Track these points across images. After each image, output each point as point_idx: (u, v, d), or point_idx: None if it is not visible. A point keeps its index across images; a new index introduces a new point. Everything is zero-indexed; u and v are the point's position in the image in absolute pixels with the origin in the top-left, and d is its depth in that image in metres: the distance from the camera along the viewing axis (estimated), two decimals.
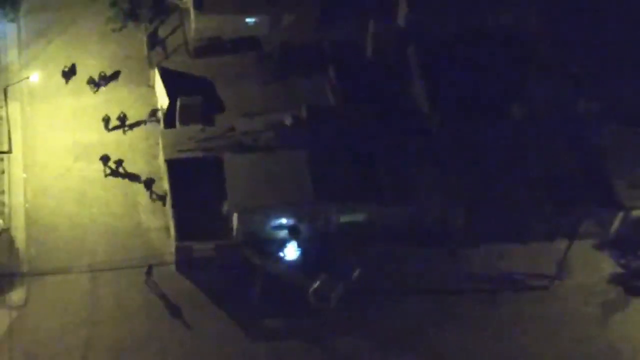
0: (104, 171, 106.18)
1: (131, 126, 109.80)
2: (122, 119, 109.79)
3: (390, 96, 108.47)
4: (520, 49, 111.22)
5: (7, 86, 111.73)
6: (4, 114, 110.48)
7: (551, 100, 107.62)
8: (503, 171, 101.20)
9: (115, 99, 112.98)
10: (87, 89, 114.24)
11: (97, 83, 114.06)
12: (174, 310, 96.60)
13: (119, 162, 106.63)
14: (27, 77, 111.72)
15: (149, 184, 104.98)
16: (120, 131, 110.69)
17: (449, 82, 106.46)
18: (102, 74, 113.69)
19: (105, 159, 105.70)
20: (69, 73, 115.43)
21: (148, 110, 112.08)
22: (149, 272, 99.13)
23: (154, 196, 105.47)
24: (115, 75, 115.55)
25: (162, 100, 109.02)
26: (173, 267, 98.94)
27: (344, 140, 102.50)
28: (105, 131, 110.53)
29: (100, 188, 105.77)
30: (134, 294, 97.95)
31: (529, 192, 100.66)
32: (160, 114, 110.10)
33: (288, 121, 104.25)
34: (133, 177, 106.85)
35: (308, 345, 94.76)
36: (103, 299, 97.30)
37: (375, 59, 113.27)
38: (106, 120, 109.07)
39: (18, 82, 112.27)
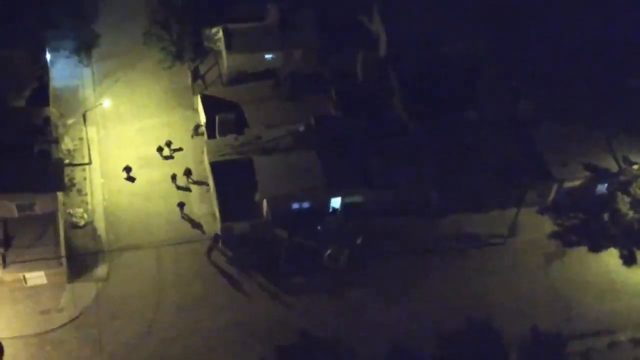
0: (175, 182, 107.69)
1: (175, 150, 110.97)
2: (169, 144, 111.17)
3: (377, 108, 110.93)
4: (472, 68, 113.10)
5: (86, 111, 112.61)
6: (84, 135, 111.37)
7: (498, 105, 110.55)
8: (464, 159, 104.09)
9: (169, 120, 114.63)
10: (147, 114, 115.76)
11: None
12: (222, 276, 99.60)
13: (169, 142, 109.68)
14: (101, 104, 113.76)
15: (188, 171, 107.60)
16: (177, 146, 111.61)
17: (420, 95, 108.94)
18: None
19: (160, 149, 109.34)
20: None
21: (197, 126, 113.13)
22: (216, 240, 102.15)
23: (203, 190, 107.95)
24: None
25: (203, 118, 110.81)
26: (219, 243, 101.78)
27: (343, 142, 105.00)
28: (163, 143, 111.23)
29: (160, 188, 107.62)
30: (190, 264, 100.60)
31: (485, 173, 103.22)
32: (201, 129, 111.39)
33: (301, 129, 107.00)
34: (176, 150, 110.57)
35: (324, 296, 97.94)
36: (166, 269, 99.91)
37: (364, 80, 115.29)
38: (160, 149, 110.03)
39: (94, 107, 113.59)
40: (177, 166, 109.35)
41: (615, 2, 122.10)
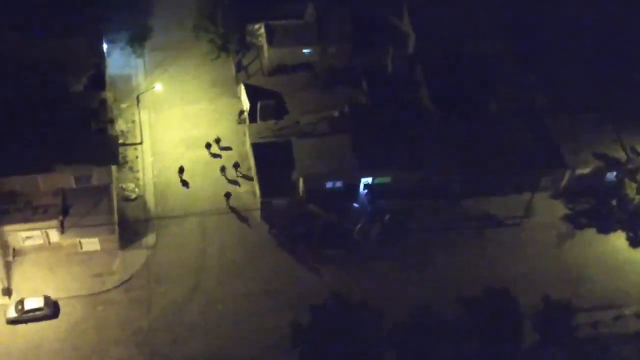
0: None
1: (224, 149, 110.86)
2: (217, 141, 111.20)
3: (405, 98, 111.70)
4: (493, 65, 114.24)
5: (139, 95, 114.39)
6: (136, 117, 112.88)
7: (516, 97, 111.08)
8: (485, 146, 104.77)
9: (214, 106, 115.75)
10: (194, 100, 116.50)
11: None
12: (260, 246, 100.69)
13: (217, 139, 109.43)
14: (153, 87, 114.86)
15: (237, 164, 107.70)
16: (221, 129, 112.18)
17: (445, 88, 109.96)
18: None
19: (208, 145, 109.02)
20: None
21: (238, 112, 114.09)
22: (227, 196, 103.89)
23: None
24: None
25: (246, 105, 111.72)
26: (258, 217, 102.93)
27: (374, 127, 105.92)
28: (209, 128, 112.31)
29: (204, 166, 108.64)
30: (232, 235, 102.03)
31: (503, 160, 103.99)
32: (245, 115, 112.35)
33: (336, 114, 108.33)
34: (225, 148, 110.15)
35: (354, 267, 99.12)
36: (210, 239, 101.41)
37: (393, 74, 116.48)
38: (208, 145, 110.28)
39: (146, 91, 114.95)
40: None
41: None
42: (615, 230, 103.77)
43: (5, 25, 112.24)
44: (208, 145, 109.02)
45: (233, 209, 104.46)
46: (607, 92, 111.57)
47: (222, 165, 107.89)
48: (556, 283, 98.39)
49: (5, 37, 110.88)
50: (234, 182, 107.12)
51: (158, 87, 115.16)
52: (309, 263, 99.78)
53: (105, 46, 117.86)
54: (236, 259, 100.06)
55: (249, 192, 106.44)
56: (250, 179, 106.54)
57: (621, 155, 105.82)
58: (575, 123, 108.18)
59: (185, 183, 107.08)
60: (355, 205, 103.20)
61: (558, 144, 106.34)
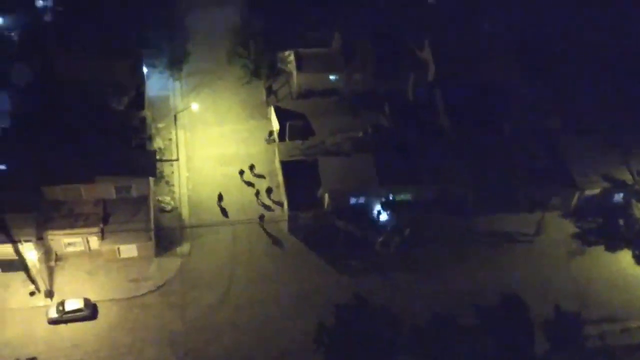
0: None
1: (258, 176, 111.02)
2: (251, 167, 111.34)
3: (424, 120, 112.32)
4: (507, 89, 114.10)
5: (176, 114, 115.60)
6: (173, 136, 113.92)
7: (529, 121, 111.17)
8: (499, 165, 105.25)
9: (245, 127, 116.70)
10: (227, 121, 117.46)
11: None
12: (287, 256, 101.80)
13: (251, 166, 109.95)
14: (190, 107, 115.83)
15: (270, 189, 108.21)
16: (251, 148, 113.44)
17: (462, 111, 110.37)
18: None
19: (242, 172, 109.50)
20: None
21: (267, 132, 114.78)
22: (261, 218, 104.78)
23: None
24: None
25: (276, 126, 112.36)
26: (286, 228, 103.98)
27: (395, 148, 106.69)
28: (240, 147, 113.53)
29: (236, 182, 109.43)
30: (261, 245, 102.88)
31: (516, 179, 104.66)
32: (274, 135, 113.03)
33: (359, 135, 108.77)
34: (258, 175, 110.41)
35: (375, 277, 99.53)
36: (240, 248, 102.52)
37: (414, 98, 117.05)
38: (242, 172, 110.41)
39: (183, 110, 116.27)
40: (257, 164, 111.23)
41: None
42: (622, 248, 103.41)
43: (57, 46, 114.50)
44: (241, 172, 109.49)
45: (266, 230, 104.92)
46: (616, 117, 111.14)
47: (240, 169, 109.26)
48: (566, 296, 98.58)
49: (57, 57, 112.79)
50: (268, 208, 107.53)
51: (194, 106, 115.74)
52: (332, 272, 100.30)
53: (145, 69, 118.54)
54: (265, 267, 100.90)
55: (276, 205, 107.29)
56: (282, 204, 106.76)
57: (628, 177, 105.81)
58: (585, 146, 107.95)
59: (224, 211, 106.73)
60: (377, 219, 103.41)
61: (568, 165, 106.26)
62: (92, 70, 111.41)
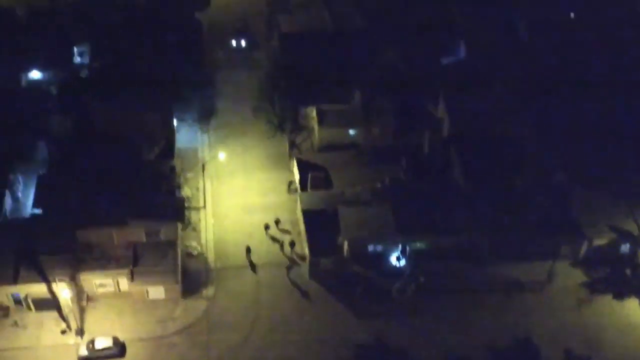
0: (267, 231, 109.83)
1: (284, 231, 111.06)
2: (277, 222, 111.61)
3: (439, 174, 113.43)
4: (519, 146, 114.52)
5: (204, 163, 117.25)
6: (200, 185, 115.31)
7: (541, 176, 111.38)
8: (512, 217, 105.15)
9: (269, 177, 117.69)
10: (251, 171, 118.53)
11: None
12: (309, 299, 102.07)
13: (277, 220, 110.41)
14: (217, 155, 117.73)
15: (292, 243, 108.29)
16: (274, 198, 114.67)
17: (475, 165, 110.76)
18: None
19: (267, 226, 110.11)
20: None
21: (290, 182, 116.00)
22: (288, 268, 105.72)
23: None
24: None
25: (297, 177, 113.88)
26: (307, 273, 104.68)
27: (411, 199, 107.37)
28: (264, 196, 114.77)
29: (261, 230, 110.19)
30: (283, 289, 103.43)
31: (527, 230, 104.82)
32: (294, 185, 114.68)
33: (378, 186, 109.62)
34: (283, 231, 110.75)
35: (392, 321, 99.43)
36: (263, 292, 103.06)
37: (429, 153, 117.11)
38: (267, 226, 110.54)
39: (211, 159, 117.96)
40: (274, 213, 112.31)
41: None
42: (629, 296, 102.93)
43: (92, 99, 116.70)
44: (267, 227, 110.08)
45: (290, 279, 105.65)
46: (622, 173, 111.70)
47: (266, 223, 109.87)
48: (576, 340, 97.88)
49: (93, 110, 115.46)
50: (276, 240, 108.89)
51: (222, 155, 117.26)
52: (351, 316, 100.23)
53: (175, 122, 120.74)
54: (286, 310, 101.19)
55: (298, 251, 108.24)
56: (305, 258, 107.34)
57: (633, 228, 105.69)
58: (593, 199, 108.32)
59: (252, 265, 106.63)
60: (394, 266, 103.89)
61: (577, 217, 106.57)
62: (126, 122, 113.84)
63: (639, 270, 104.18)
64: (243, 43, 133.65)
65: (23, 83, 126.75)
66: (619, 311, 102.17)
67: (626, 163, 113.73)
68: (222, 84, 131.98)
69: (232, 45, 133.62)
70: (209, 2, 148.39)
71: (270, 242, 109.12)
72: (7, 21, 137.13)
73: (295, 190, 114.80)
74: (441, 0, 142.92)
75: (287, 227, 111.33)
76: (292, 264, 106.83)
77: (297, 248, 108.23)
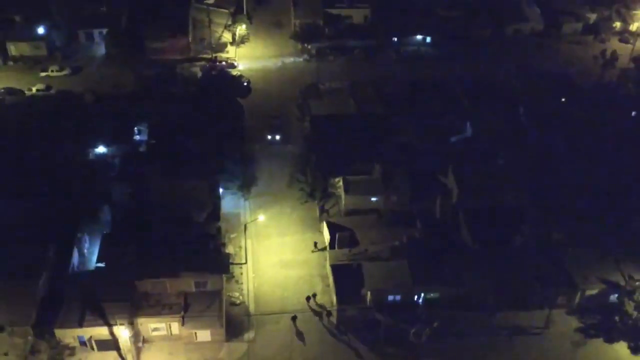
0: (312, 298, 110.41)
1: (321, 306, 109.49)
2: (314, 296, 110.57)
3: (451, 235, 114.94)
4: (516, 213, 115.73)
5: (246, 224, 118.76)
6: (243, 244, 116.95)
7: (537, 235, 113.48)
8: (513, 272, 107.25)
9: (302, 239, 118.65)
10: (286, 233, 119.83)
11: None
12: (336, 343, 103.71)
13: (314, 294, 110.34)
14: (257, 218, 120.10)
15: (329, 313, 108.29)
16: (306, 255, 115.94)
17: (481, 227, 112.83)
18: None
19: (308, 297, 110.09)
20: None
21: (319, 242, 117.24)
22: (325, 314, 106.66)
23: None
24: None
25: (327, 237, 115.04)
26: (335, 321, 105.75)
27: (426, 255, 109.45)
28: (297, 254, 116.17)
29: (295, 282, 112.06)
30: (315, 334, 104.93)
31: (527, 282, 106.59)
32: (319, 245, 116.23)
33: (396, 245, 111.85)
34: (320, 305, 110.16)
35: None
36: (297, 336, 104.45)
37: (440, 217, 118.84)
38: (310, 297, 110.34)
39: (250, 222, 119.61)
40: (307, 268, 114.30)
41: None
42: (618, 340, 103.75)
43: (150, 170, 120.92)
44: (308, 298, 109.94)
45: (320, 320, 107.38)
46: (611, 233, 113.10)
47: (307, 295, 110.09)
48: None
49: (150, 179, 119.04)
50: (317, 312, 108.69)
51: (261, 218, 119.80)
52: (373, 357, 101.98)
53: (221, 190, 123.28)
54: (317, 352, 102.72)
55: (326, 301, 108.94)
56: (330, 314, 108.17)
57: (621, 280, 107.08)
58: (585, 255, 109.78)
59: (300, 334, 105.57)
60: (411, 313, 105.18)
61: (571, 270, 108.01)
62: (178, 190, 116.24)
63: (627, 316, 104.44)
64: (277, 137, 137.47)
65: (91, 156, 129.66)
66: (609, 353, 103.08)
67: (613, 223, 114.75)
68: (261, 158, 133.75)
69: (267, 139, 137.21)
70: (250, 90, 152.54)
71: (304, 293, 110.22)
72: (77, 105, 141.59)
73: (322, 248, 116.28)
74: (451, 89, 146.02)
75: (316, 280, 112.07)
76: (323, 312, 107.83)
77: (322, 300, 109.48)
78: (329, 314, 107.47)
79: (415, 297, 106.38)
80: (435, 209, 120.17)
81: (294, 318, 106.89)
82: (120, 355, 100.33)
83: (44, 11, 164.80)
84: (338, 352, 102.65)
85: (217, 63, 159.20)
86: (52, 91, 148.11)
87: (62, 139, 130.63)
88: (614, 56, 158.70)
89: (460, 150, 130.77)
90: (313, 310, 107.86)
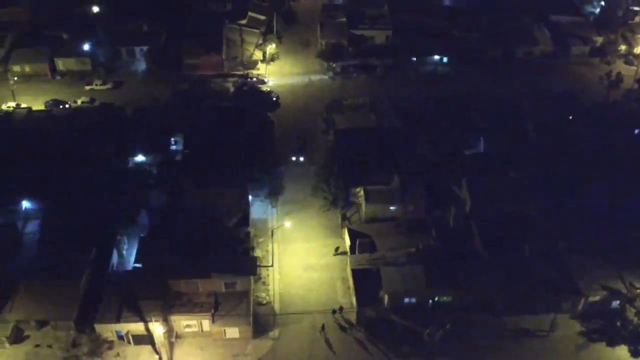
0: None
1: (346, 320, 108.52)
2: (341, 309, 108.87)
3: (463, 246, 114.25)
4: (527, 221, 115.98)
5: (273, 230, 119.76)
6: (269, 248, 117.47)
7: (546, 244, 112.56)
8: (521, 279, 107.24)
9: (324, 245, 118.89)
10: (310, 239, 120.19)
11: None
12: (355, 342, 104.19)
13: (341, 307, 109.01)
14: (283, 224, 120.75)
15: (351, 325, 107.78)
16: (328, 260, 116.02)
17: (492, 236, 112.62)
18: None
19: (334, 311, 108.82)
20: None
21: (341, 246, 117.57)
22: (322, 328, 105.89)
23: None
24: None
25: (348, 243, 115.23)
26: (354, 320, 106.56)
27: (440, 262, 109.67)
28: (320, 258, 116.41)
29: (318, 284, 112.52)
30: (335, 332, 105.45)
31: (534, 288, 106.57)
32: (339, 250, 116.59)
33: (412, 251, 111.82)
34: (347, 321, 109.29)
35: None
36: (319, 334, 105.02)
37: (454, 225, 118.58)
38: (334, 310, 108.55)
39: (277, 228, 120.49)
40: (329, 271, 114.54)
41: None
42: (619, 344, 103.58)
43: (184, 178, 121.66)
44: (334, 311, 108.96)
45: (339, 321, 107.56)
46: (613, 244, 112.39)
47: (333, 308, 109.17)
48: None
49: (184, 186, 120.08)
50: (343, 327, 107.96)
51: (287, 224, 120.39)
52: (390, 355, 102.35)
53: (250, 198, 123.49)
54: (338, 350, 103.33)
55: (347, 302, 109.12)
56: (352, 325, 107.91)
57: (622, 287, 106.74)
58: (589, 263, 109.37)
59: (328, 342, 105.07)
60: (425, 315, 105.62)
61: (575, 278, 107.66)
62: (211, 197, 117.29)
63: (627, 322, 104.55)
64: (302, 159, 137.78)
65: (130, 164, 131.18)
66: (611, 356, 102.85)
67: (616, 233, 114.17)
68: (288, 168, 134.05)
69: (292, 160, 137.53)
70: (279, 105, 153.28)
71: (326, 294, 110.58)
72: (119, 116, 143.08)
73: (342, 253, 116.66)
74: (464, 105, 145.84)
75: (338, 283, 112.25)
76: (341, 309, 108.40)
77: (342, 302, 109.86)
78: (341, 309, 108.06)
79: (430, 300, 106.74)
80: (449, 218, 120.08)
81: (322, 327, 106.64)
82: (154, 349, 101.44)
83: (89, 29, 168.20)
84: (356, 350, 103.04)
85: (248, 79, 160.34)
86: (96, 103, 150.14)
87: (104, 148, 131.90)
88: (619, 77, 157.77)
89: (474, 163, 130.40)
90: (339, 324, 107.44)
